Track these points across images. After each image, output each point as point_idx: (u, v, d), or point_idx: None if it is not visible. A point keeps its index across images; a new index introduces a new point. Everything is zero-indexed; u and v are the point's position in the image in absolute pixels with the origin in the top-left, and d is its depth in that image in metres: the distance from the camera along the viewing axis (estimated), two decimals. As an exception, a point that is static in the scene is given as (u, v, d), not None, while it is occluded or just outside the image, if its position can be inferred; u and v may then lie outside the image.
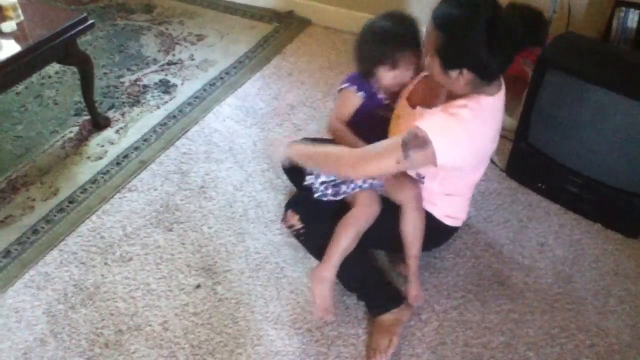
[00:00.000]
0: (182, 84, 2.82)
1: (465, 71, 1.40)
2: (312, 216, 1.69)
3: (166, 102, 2.69)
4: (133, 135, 2.50)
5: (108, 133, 2.52)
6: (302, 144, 1.67)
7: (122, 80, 2.85)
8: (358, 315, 1.80)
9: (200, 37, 3.17)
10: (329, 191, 1.70)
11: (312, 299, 1.68)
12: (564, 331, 1.75)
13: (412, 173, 1.68)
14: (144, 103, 2.69)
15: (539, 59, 1.98)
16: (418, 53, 1.63)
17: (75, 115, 2.62)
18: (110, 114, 2.63)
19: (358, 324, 1.78)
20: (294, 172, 2.02)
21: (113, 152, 2.42)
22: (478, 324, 1.77)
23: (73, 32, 2.22)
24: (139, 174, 2.31)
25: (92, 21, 2.30)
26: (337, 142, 1.72)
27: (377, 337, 1.70)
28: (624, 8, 2.18)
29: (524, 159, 2.17)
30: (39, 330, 1.78)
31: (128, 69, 2.92)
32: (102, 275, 1.93)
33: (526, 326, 1.76)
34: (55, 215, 2.13)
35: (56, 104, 2.69)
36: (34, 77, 2.81)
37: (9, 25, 2.15)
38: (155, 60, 2.99)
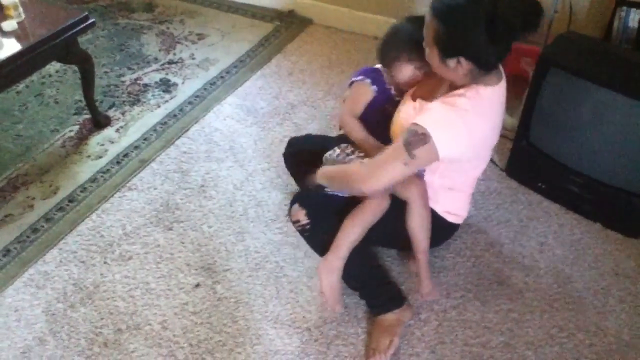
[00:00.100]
0: (182, 83, 2.82)
1: (463, 60, 1.40)
2: (318, 212, 1.69)
3: (167, 101, 2.69)
4: (133, 134, 2.50)
5: (108, 132, 2.52)
6: (327, 167, 1.69)
7: (122, 79, 2.85)
8: (357, 314, 1.80)
9: (201, 36, 3.17)
10: None
11: (320, 290, 1.68)
12: (563, 331, 1.75)
13: None
14: (145, 102, 2.69)
15: (540, 58, 1.97)
16: None
17: (75, 114, 2.62)
18: (110, 112, 2.63)
19: (357, 323, 1.78)
20: (297, 169, 2.03)
21: (113, 151, 2.42)
22: (477, 323, 1.77)
23: (74, 31, 2.23)
24: (139, 172, 2.31)
25: (93, 20, 2.30)
26: (349, 138, 1.72)
27: (377, 336, 1.70)
28: (625, 8, 2.18)
29: (524, 159, 2.17)
30: (38, 329, 1.78)
31: (129, 68, 2.92)
32: (102, 274, 1.93)
33: (526, 326, 1.76)
34: (55, 214, 2.14)
35: (57, 102, 2.69)
36: (35, 76, 2.81)
37: (10, 24, 2.16)
38: (156, 59, 2.99)
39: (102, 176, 2.30)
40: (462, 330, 1.75)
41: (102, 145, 2.45)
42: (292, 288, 1.88)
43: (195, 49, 3.06)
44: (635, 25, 2.18)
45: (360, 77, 1.77)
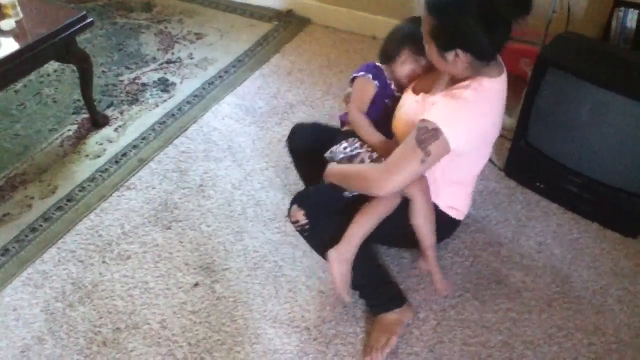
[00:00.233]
0: (181, 82, 2.81)
1: (460, 52, 1.41)
2: (317, 212, 1.69)
3: (165, 101, 2.69)
4: (132, 133, 2.50)
5: (107, 131, 2.52)
6: (337, 165, 1.69)
7: (121, 78, 2.85)
8: (356, 314, 1.80)
9: (199, 36, 3.16)
10: None
11: (331, 279, 1.67)
12: (562, 330, 1.75)
13: None
14: (143, 101, 2.69)
15: (538, 59, 1.98)
16: None
17: (74, 113, 2.62)
18: (109, 112, 2.62)
19: (356, 322, 1.78)
20: (305, 168, 2.02)
21: (112, 150, 2.42)
22: (476, 322, 1.77)
23: (72, 30, 2.22)
24: (137, 172, 2.31)
25: (91, 19, 2.30)
26: (356, 133, 1.73)
27: (375, 335, 1.70)
28: (623, 8, 2.18)
29: (522, 158, 2.17)
30: (37, 328, 1.77)
31: (127, 67, 2.92)
32: (100, 273, 1.93)
33: (524, 325, 1.76)
34: (53, 214, 2.13)
35: (55, 102, 2.69)
36: (33, 75, 2.81)
37: (8, 23, 2.15)
38: (154, 59, 2.98)
39: (100, 175, 2.29)
40: (461, 330, 1.75)
41: (101, 144, 2.45)
42: (290, 287, 1.88)
43: (193, 48, 3.06)
44: (633, 25, 2.18)
45: (361, 73, 1.78)
